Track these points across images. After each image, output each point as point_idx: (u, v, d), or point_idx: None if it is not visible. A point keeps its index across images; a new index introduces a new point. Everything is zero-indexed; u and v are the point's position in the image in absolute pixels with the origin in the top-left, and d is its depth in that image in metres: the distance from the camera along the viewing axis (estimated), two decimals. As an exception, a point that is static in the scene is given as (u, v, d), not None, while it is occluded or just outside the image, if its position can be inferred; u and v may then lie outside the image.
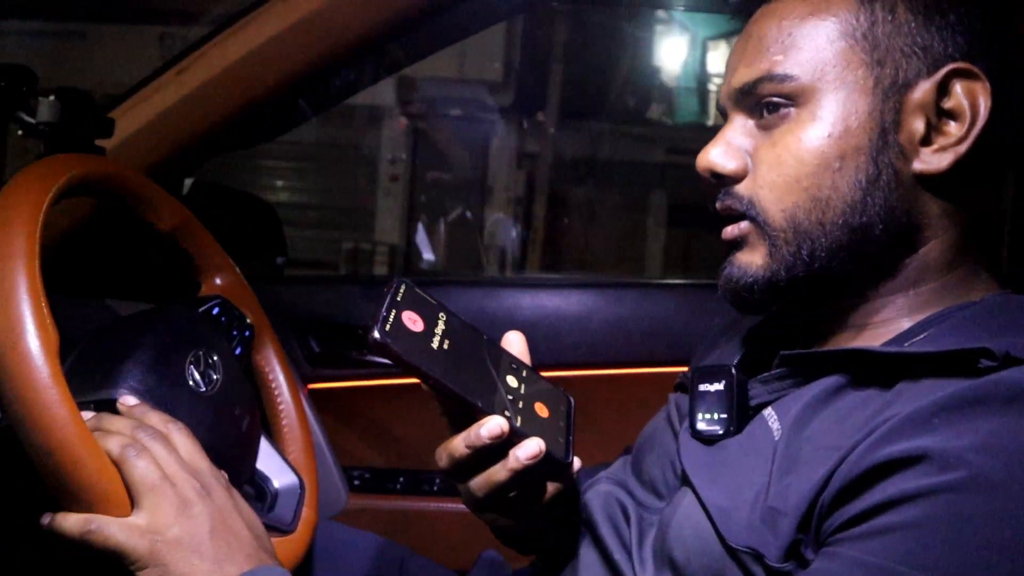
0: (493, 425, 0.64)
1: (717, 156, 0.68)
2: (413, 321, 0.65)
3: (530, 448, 0.65)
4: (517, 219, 4.98)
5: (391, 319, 0.64)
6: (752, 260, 0.67)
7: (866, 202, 0.63)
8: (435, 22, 1.14)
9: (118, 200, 0.85)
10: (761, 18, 0.68)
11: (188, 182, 1.35)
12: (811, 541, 0.57)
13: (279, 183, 5.00)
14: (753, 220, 0.66)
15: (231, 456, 0.77)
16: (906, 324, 0.66)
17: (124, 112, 1.11)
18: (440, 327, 0.67)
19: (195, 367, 0.77)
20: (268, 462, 0.86)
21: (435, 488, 1.29)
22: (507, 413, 0.66)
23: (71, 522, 0.62)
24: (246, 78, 1.10)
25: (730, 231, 0.68)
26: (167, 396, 0.72)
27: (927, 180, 0.64)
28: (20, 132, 0.91)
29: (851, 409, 0.60)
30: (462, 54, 4.65)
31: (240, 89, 1.11)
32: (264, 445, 0.87)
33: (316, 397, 1.31)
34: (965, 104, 0.63)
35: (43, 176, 0.72)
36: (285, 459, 0.88)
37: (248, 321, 0.93)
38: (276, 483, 0.86)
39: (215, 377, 0.78)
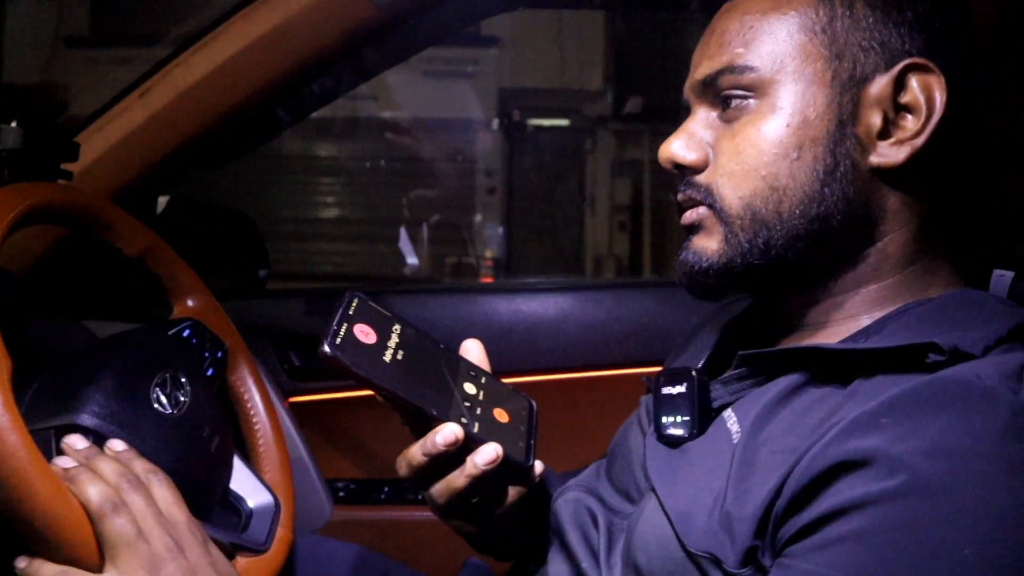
0: (448, 432, 0.65)
1: (678, 147, 0.68)
2: (365, 334, 0.66)
3: (487, 453, 0.66)
4: (624, 227, 4.90)
5: (342, 332, 0.64)
6: (708, 245, 0.67)
7: (823, 192, 0.64)
8: (398, 31, 1.14)
9: (83, 227, 0.85)
10: (725, 13, 0.69)
11: (163, 200, 1.35)
12: (768, 548, 0.57)
13: (372, 200, 4.98)
14: (711, 207, 0.67)
15: (200, 477, 0.78)
16: (865, 321, 0.66)
17: (90, 135, 1.11)
18: (394, 339, 0.68)
19: (161, 390, 0.77)
20: (243, 482, 0.86)
21: (420, 497, 1.28)
22: (464, 420, 0.66)
23: (46, 572, 0.62)
24: (211, 96, 1.10)
25: (688, 216, 0.69)
26: (130, 420, 0.72)
27: (885, 173, 0.64)
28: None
29: (808, 409, 0.61)
30: (561, 63, 4.61)
31: (205, 107, 1.11)
32: (239, 465, 0.87)
33: (298, 411, 1.31)
34: (921, 99, 0.63)
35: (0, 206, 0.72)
36: (260, 478, 0.88)
37: (221, 342, 0.93)
38: (251, 503, 0.86)
39: (182, 399, 0.78)
